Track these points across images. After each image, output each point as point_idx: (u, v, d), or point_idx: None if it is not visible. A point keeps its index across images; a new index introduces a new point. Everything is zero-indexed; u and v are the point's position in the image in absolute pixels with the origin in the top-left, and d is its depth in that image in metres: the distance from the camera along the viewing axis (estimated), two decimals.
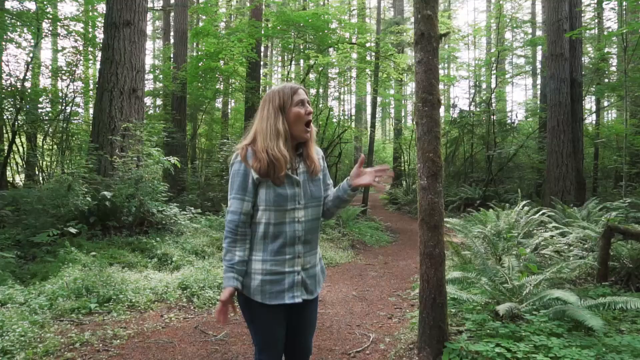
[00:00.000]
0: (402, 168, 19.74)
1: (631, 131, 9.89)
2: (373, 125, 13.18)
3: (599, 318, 3.00)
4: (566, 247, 6.29)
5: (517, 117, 19.14)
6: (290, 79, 14.74)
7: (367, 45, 12.90)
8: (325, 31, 11.54)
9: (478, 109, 16.05)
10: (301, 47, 12.65)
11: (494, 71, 16.46)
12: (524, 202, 7.75)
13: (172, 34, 15.66)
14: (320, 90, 15.81)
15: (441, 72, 19.40)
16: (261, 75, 14.29)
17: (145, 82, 9.08)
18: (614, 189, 11.26)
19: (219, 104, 19.04)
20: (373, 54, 12.56)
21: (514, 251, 5.39)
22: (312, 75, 14.43)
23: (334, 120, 16.86)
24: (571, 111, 10.12)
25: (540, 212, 7.68)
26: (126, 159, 6.82)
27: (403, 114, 27.70)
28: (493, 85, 16.60)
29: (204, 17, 15.56)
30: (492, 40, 21.40)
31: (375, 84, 12.48)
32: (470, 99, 17.25)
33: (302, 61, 15.92)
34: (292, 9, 12.67)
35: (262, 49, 18.79)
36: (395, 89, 17.73)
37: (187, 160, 12.91)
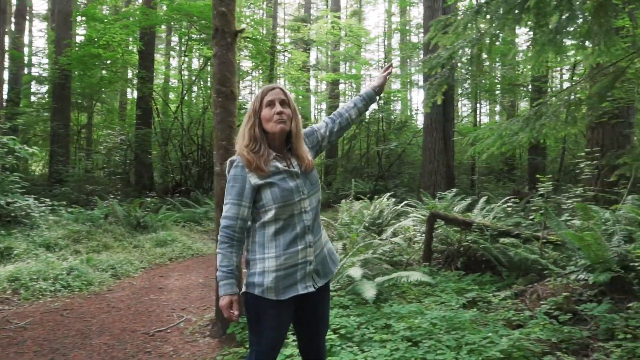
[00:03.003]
0: None
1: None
2: None
3: (374, 291, 3.39)
4: (420, 234, 6.90)
5: (414, 116, 20.29)
6: (185, 70, 14.44)
7: (269, 41, 13.01)
8: None
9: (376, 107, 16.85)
10: (194, 37, 12.45)
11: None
12: (389, 194, 8.34)
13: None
14: None
15: (342, 70, 20.06)
16: (154, 65, 13.86)
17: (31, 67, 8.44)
18: (477, 184, 12.43)
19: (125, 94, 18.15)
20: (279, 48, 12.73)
21: (359, 237, 5.82)
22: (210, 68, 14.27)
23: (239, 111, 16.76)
24: (443, 111, 11.01)
25: (403, 203, 8.33)
26: None
27: (314, 110, 28.20)
28: (394, 85, 17.55)
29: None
30: (395, 44, 22.47)
31: (269, 79, 12.63)
32: None
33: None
34: None
35: (164, 37, 18.17)
36: (300, 85, 18.08)
37: (69, 151, 12.17)
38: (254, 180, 1.73)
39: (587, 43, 2.67)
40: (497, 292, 4.30)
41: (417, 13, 27.76)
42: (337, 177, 16.11)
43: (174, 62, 19.27)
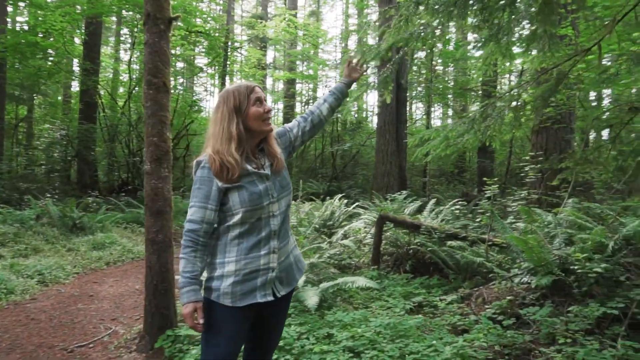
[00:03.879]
0: None
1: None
2: None
3: (317, 298, 3.24)
4: (370, 236, 6.81)
5: (369, 117, 20.42)
6: (135, 64, 13.79)
7: (218, 35, 12.61)
8: None
9: None
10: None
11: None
12: (341, 195, 8.24)
13: None
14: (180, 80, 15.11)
15: (299, 70, 19.89)
16: (100, 57, 13.13)
17: None
18: (429, 186, 12.61)
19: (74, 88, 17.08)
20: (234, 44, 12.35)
21: (306, 240, 5.66)
22: None
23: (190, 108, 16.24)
24: (396, 113, 11.07)
25: (355, 205, 8.25)
26: None
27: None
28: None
29: None
30: (352, 45, 22.53)
31: (222, 77, 12.26)
32: None
33: None
34: None
35: (114, 29, 17.32)
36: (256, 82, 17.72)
37: (3, 146, 11.29)
38: (221, 182, 1.63)
39: (531, 48, 2.63)
40: (444, 296, 4.26)
41: (375, 16, 28.12)
42: (292, 177, 15.91)
43: (125, 56, 18.41)
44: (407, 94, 12.81)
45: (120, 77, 16.38)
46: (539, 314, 3.27)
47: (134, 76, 13.17)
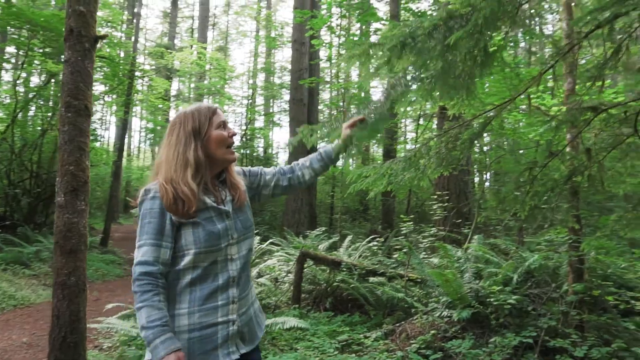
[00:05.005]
0: None
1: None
2: (121, 150, 12.07)
3: None
4: (285, 274, 6.67)
5: (276, 153, 20.57)
6: (21, 86, 12.43)
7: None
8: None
9: (240, 143, 16.62)
10: (38, 49, 10.82)
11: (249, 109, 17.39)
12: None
13: None
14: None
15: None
16: None
17: None
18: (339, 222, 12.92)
19: None
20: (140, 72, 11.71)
21: None
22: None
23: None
24: (307, 152, 11.26)
25: (269, 242, 8.09)
26: None
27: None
28: (258, 123, 17.58)
29: None
30: (259, 83, 22.81)
31: (126, 104, 11.54)
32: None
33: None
34: (30, 5, 10.86)
35: None
36: (159, 114, 17.00)
37: None
38: (174, 216, 1.40)
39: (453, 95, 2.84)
40: (368, 333, 4.27)
41: (281, 57, 28.98)
42: None
43: (6, 76, 16.48)
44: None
45: (1, 99, 14.62)
46: (463, 347, 3.41)
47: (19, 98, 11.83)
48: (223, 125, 1.52)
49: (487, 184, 12.66)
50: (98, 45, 2.92)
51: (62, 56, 11.25)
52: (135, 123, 27.62)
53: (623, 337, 3.42)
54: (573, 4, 3.03)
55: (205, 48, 14.40)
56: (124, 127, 12.29)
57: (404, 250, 5.75)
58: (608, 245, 3.60)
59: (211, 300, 1.41)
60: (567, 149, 3.16)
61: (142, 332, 1.32)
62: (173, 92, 21.91)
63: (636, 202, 2.63)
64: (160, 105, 14.80)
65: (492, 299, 3.75)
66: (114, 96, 13.04)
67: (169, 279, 1.42)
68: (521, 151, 5.17)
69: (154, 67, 14.44)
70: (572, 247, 3.77)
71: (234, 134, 1.54)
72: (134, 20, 14.57)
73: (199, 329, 1.39)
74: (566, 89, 3.57)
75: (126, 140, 19.98)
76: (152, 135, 21.58)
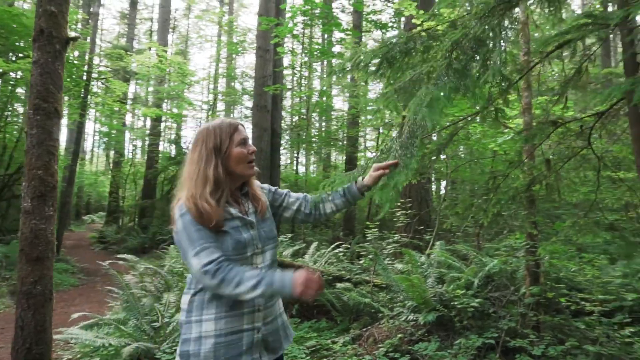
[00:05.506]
0: (118, 204, 18.15)
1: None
2: (76, 154, 11.59)
3: None
4: None
5: None
6: None
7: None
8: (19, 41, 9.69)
9: None
10: None
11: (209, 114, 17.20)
12: None
13: None
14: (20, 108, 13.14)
15: (165, 108, 19.14)
16: None
17: None
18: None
19: None
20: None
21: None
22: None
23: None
24: (271, 158, 11.27)
25: None
26: None
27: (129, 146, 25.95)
28: None
29: None
30: (220, 88, 22.59)
31: (82, 107, 11.11)
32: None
33: None
34: None
35: None
36: (115, 118, 16.46)
37: None
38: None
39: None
40: (336, 338, 4.33)
41: (242, 63, 28.80)
42: (155, 220, 14.85)
43: None
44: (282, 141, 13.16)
45: None
46: (430, 349, 3.53)
47: None
48: (243, 142, 1.57)
49: (442, 191, 13.10)
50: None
51: (11, 54, 10.72)
52: (89, 126, 26.56)
53: (575, 335, 3.65)
54: (533, 23, 3.24)
55: (166, 51, 14.12)
56: (79, 131, 11.81)
57: (370, 256, 5.87)
58: (560, 249, 3.84)
59: (237, 307, 1.46)
60: (526, 160, 3.37)
61: (260, 292, 1.36)
62: (130, 95, 21.29)
63: (588, 209, 2.84)
64: (117, 109, 14.36)
65: (456, 303, 3.91)
66: (66, 98, 12.56)
67: (197, 287, 1.48)
68: (480, 160, 5.42)
69: (110, 70, 14.00)
70: (529, 252, 3.99)
71: (254, 151, 1.60)
72: (90, 21, 14.11)
73: (225, 335, 1.43)
74: (524, 103, 3.80)
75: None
76: (107, 139, 20.84)
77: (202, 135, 1.55)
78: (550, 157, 2.55)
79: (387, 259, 6.05)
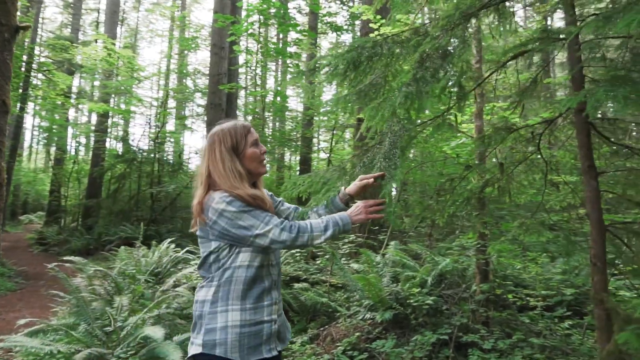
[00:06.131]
0: (60, 203, 17.19)
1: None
2: (14, 150, 10.88)
3: (179, 352, 2.95)
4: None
5: (187, 158, 19.88)
6: None
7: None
8: None
9: (150, 147, 15.81)
10: None
11: (160, 111, 16.71)
12: (170, 240, 7.74)
13: None
14: None
15: (114, 104, 18.40)
16: None
17: None
18: None
19: None
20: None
21: (148, 290, 5.11)
22: None
23: None
24: None
25: (185, 250, 7.82)
26: None
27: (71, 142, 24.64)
28: (169, 126, 16.86)
29: None
30: (171, 84, 21.99)
31: (21, 100, 10.45)
32: (143, 135, 16.88)
33: None
34: None
35: None
36: (57, 113, 15.58)
37: None
38: None
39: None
40: (294, 338, 4.34)
41: (194, 59, 28.13)
42: (100, 220, 14.22)
43: None
44: None
45: None
46: (387, 346, 3.62)
47: None
48: (256, 143, 1.69)
49: (394, 192, 13.43)
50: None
51: None
52: (27, 121, 24.97)
53: (521, 329, 3.87)
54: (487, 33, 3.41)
55: (114, 44, 13.54)
56: (17, 125, 11.09)
57: (327, 256, 5.92)
58: (507, 248, 4.06)
59: (260, 300, 1.57)
60: (477, 163, 3.54)
61: (331, 233, 1.56)
62: (75, 89, 20.26)
63: (535, 210, 3.02)
64: (60, 102, 13.62)
65: (411, 301, 4.03)
66: None
67: (222, 277, 1.55)
68: (434, 162, 5.61)
69: (53, 61, 13.24)
70: (480, 251, 4.19)
71: (266, 151, 1.73)
72: (30, 9, 13.28)
73: (249, 325, 1.52)
74: (476, 109, 3.99)
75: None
76: (48, 134, 19.69)
77: (218, 137, 1.64)
78: (503, 161, 2.69)
79: (343, 258, 6.14)
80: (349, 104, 2.82)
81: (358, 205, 1.65)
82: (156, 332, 3.01)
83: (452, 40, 1.68)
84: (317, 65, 2.29)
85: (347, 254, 6.25)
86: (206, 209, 1.56)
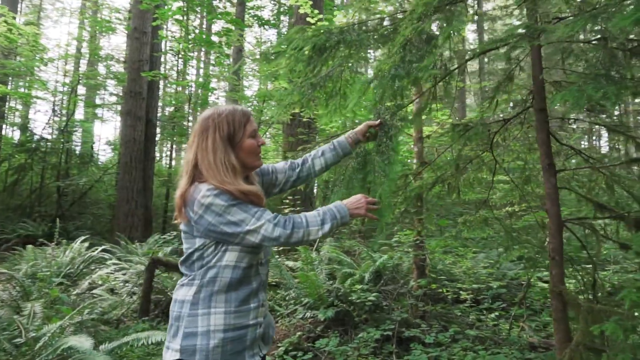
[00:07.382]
0: None
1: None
2: None
3: None
4: (122, 284, 6.00)
5: (97, 150, 18.44)
6: None
7: None
8: None
9: (56, 136, 14.37)
10: None
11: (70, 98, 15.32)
12: (83, 238, 7.06)
13: None
14: None
15: (11, 87, 16.52)
16: None
17: None
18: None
19: None
20: None
21: (64, 294, 4.55)
22: None
23: None
24: (144, 149, 10.38)
25: (101, 249, 7.18)
26: None
27: None
28: (78, 115, 15.44)
29: None
30: (81, 68, 20.25)
31: None
32: (48, 123, 15.31)
33: None
34: None
35: None
36: None
37: None
38: None
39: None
40: None
41: (107, 44, 26.09)
42: None
43: None
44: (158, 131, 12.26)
45: None
46: (331, 345, 3.55)
47: None
48: (254, 133, 1.52)
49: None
50: None
51: None
52: None
53: (456, 322, 4.02)
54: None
55: (15, 18, 12.07)
56: None
57: None
58: (446, 244, 4.20)
59: (246, 302, 1.43)
60: (422, 162, 3.59)
61: (329, 227, 1.41)
62: None
63: (479, 206, 3.12)
64: None
65: (353, 297, 4.01)
66: None
67: (206, 279, 1.40)
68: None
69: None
70: (418, 247, 4.29)
71: (263, 143, 1.55)
72: None
73: (233, 330, 1.39)
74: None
75: None
76: None
77: (213, 122, 1.45)
78: (458, 161, 2.74)
79: (277, 256, 5.99)
80: (304, 96, 2.71)
81: (359, 199, 1.50)
82: (82, 342, 2.66)
83: (433, 27, 1.64)
84: (281, 47, 2.14)
85: (280, 250, 6.11)
86: (190, 202, 1.38)
